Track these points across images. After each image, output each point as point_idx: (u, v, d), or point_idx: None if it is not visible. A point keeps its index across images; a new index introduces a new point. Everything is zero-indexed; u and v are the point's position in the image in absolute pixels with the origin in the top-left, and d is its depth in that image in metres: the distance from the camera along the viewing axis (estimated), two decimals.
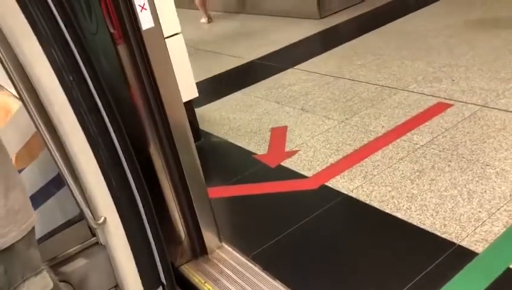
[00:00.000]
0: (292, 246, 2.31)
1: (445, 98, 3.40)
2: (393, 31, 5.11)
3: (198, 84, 3.22)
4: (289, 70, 4.59)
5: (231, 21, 7.17)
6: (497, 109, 3.12)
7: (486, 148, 2.73)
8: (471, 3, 5.40)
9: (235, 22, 7.06)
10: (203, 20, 7.29)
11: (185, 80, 2.73)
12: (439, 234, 2.19)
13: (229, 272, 2.02)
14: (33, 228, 1.31)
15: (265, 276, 1.97)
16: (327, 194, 2.65)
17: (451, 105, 3.29)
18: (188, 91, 3.05)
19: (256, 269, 2.01)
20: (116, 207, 1.64)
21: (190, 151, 1.94)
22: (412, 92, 3.61)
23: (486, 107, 3.17)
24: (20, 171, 1.80)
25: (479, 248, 2.05)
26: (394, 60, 4.28)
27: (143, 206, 1.71)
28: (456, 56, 4.07)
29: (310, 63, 4.65)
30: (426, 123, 3.13)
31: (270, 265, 2.07)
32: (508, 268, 1.92)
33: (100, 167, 1.58)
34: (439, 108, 3.29)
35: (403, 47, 4.54)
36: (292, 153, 3.13)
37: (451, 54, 4.15)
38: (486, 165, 2.59)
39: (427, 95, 3.51)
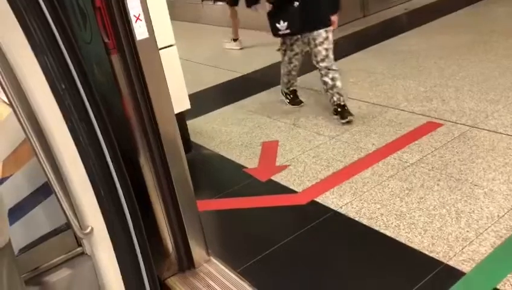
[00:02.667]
0: (281, 261, 2.30)
1: (435, 118, 3.43)
2: (386, 49, 5.17)
3: (190, 96, 3.22)
4: None
5: (223, 34, 7.20)
6: (486, 129, 3.15)
7: (475, 169, 2.75)
8: (463, 26, 5.49)
9: (226, 35, 7.09)
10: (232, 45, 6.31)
11: (177, 91, 2.72)
12: (427, 252, 2.19)
13: (216, 286, 2.00)
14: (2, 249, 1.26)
15: None
16: (316, 209, 2.65)
17: (441, 124, 3.32)
18: (180, 103, 3.05)
19: (244, 284, 1.99)
20: (104, 217, 1.62)
21: (180, 164, 1.93)
22: (403, 110, 3.64)
23: (476, 127, 3.20)
24: (7, 178, 1.78)
25: (466, 268, 2.06)
26: (386, 78, 4.32)
27: (131, 217, 1.69)
28: (447, 76, 4.12)
29: (303, 78, 4.68)
30: (416, 142, 3.15)
31: (258, 280, 2.05)
32: (495, 289, 1.93)
33: (89, 176, 1.57)
34: (429, 127, 3.32)
35: (395, 66, 4.59)
36: (282, 168, 3.13)
37: (442, 74, 4.20)
38: (475, 185, 2.61)
39: (418, 114, 3.54)
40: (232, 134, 3.75)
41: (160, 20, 2.58)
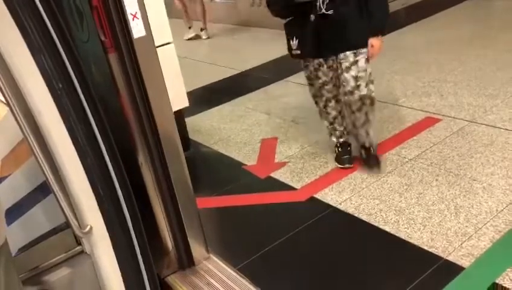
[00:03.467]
0: (280, 258, 2.30)
1: (434, 113, 3.43)
2: (384, 45, 5.14)
3: (189, 94, 3.21)
4: (280, 82, 4.61)
5: (224, 32, 7.20)
6: (484, 124, 3.16)
7: (473, 164, 2.76)
8: (461, 21, 5.49)
9: (228, 33, 7.09)
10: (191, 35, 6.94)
11: (175, 89, 2.71)
12: (426, 248, 2.19)
13: (216, 283, 2.00)
14: None
15: (253, 288, 1.96)
16: (316, 206, 2.65)
17: (439, 120, 3.32)
18: (179, 100, 3.02)
19: (244, 281, 2.00)
20: (103, 216, 1.62)
21: (179, 161, 1.93)
22: (401, 106, 3.64)
23: (474, 122, 3.20)
24: (5, 177, 1.78)
25: (465, 263, 2.06)
26: (385, 74, 4.32)
27: (130, 216, 1.69)
28: (445, 71, 4.12)
29: (301, 75, 4.68)
30: (415, 137, 3.15)
31: (258, 277, 2.06)
32: (494, 283, 1.93)
33: (88, 175, 1.57)
34: (427, 122, 3.32)
35: (394, 61, 4.59)
36: (282, 165, 3.13)
37: (440, 69, 4.20)
38: (474, 180, 2.61)
39: (416, 109, 3.54)
40: (231, 131, 3.75)
41: (157, 18, 2.57)
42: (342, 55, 2.57)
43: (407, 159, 2.92)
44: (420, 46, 4.89)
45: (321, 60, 2.65)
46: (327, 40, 2.55)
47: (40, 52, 1.41)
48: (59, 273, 1.73)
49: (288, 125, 3.68)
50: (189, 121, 3.75)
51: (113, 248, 1.67)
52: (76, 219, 1.59)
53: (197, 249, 2.10)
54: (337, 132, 2.92)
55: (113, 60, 1.70)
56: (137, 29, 1.66)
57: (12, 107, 1.42)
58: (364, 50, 2.57)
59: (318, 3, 2.48)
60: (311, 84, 2.83)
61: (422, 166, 2.82)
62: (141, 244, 1.73)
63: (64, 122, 1.49)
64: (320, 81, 2.72)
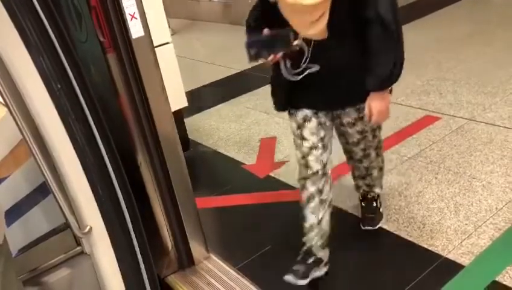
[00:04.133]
0: (280, 257, 2.30)
1: (433, 111, 3.43)
2: None
3: (188, 94, 3.22)
4: None
5: (220, 31, 7.19)
6: (484, 122, 3.16)
7: (473, 162, 2.76)
8: (459, 19, 5.48)
9: (223, 32, 7.08)
10: None
11: (174, 89, 2.72)
12: (426, 246, 2.19)
13: (216, 283, 2.00)
14: None
15: (253, 288, 1.96)
16: None
17: (438, 118, 3.32)
18: (178, 100, 3.04)
19: (244, 280, 2.00)
20: (102, 216, 1.63)
21: (178, 161, 1.93)
22: (401, 104, 3.64)
23: (473, 120, 3.21)
24: (5, 178, 1.78)
25: (465, 261, 2.06)
26: None
27: (129, 216, 1.69)
28: (444, 70, 4.12)
29: None
30: (414, 136, 3.15)
31: (258, 276, 2.06)
32: (494, 281, 1.93)
33: (87, 176, 1.57)
34: (426, 121, 3.32)
35: None
36: (281, 164, 3.13)
37: (439, 67, 4.20)
38: (473, 178, 2.61)
39: (415, 108, 3.54)
40: (230, 131, 3.75)
41: (155, 17, 2.57)
42: (338, 110, 1.95)
43: (406, 158, 2.92)
44: (419, 44, 4.88)
45: (308, 112, 1.92)
46: (320, 91, 1.87)
47: (38, 53, 1.41)
48: (59, 274, 1.73)
49: (288, 124, 3.67)
50: (189, 120, 3.75)
51: (113, 248, 1.67)
52: (76, 220, 1.59)
53: (197, 249, 2.10)
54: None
55: (111, 60, 1.70)
56: (135, 29, 1.66)
57: (11, 108, 1.42)
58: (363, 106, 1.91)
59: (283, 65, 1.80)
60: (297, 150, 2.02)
61: (422, 164, 2.83)
62: (141, 245, 1.73)
63: (63, 122, 1.49)
64: (307, 144, 1.96)
